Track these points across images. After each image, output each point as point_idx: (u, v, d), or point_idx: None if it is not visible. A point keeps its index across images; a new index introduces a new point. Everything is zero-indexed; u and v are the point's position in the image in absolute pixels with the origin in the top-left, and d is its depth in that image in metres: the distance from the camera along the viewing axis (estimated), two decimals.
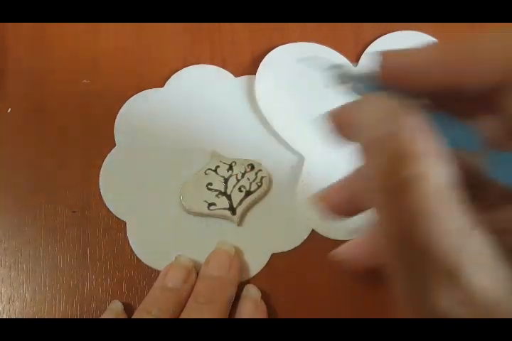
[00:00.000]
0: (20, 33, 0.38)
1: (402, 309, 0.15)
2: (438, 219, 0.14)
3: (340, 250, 0.19)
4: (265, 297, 0.33)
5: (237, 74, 0.38)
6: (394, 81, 0.14)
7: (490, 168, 0.14)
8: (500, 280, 0.14)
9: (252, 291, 0.32)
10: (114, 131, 0.36)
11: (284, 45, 0.38)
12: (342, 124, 0.15)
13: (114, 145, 0.36)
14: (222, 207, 0.34)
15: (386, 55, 0.14)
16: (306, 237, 0.34)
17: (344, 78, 0.15)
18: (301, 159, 0.36)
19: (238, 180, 0.34)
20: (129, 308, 0.33)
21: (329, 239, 0.34)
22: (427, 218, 0.14)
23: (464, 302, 0.14)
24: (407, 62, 0.14)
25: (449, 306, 0.14)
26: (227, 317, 0.31)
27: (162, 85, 0.37)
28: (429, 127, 0.14)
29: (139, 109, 0.37)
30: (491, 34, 0.14)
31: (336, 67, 0.16)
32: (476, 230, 0.14)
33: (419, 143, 0.14)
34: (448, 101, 0.15)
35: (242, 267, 0.33)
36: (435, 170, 0.14)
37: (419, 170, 0.14)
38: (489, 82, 0.14)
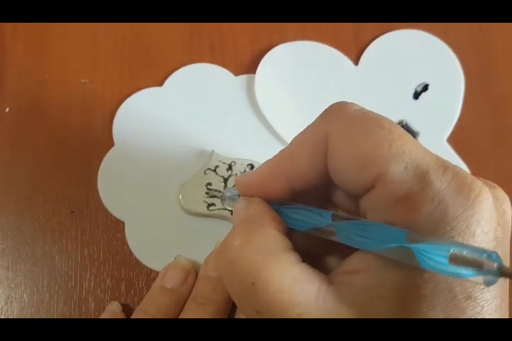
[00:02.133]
0: (19, 32, 0.38)
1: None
2: (271, 274, 0.17)
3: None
4: None
5: (236, 73, 0.38)
6: (248, 193, 0.22)
7: (338, 235, 0.19)
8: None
9: None
10: (113, 131, 0.36)
11: (283, 44, 0.38)
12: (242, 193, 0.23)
13: (113, 144, 0.36)
14: (222, 207, 0.34)
15: (238, 182, 0.22)
16: None
17: (226, 197, 0.26)
18: None
19: None
20: (127, 309, 0.32)
21: None
22: (263, 274, 0.18)
23: None
24: (247, 184, 0.22)
25: None
26: (226, 317, 0.31)
27: (161, 84, 0.37)
28: (270, 210, 0.21)
29: (137, 109, 0.36)
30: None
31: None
32: (316, 278, 0.18)
33: (254, 212, 0.21)
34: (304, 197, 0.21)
35: None
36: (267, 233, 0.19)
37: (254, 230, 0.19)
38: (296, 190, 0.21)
